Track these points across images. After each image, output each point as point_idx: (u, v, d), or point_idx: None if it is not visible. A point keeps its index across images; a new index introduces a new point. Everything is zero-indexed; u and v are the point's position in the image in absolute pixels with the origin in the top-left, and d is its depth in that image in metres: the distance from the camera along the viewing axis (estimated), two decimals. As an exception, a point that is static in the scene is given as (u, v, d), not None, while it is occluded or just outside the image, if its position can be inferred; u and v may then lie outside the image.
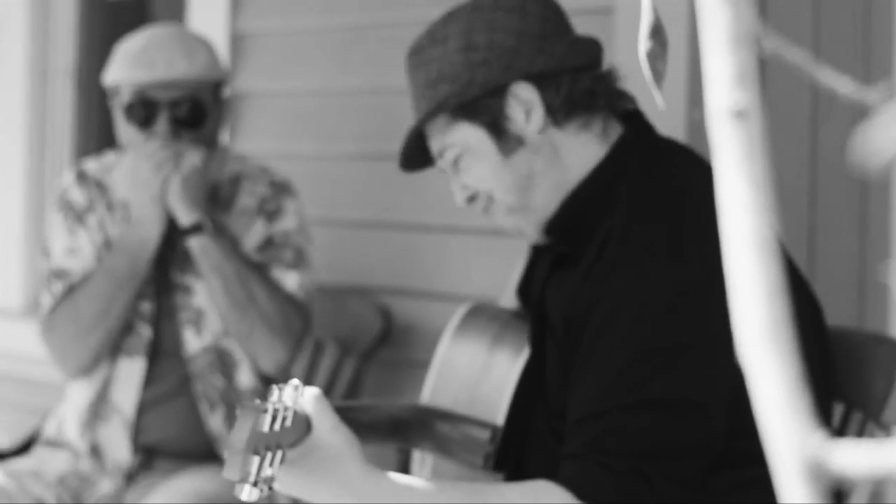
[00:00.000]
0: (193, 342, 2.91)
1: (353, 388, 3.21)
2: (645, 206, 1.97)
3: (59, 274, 2.93)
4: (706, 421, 1.87)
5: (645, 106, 2.14)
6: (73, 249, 2.95)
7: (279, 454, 1.63)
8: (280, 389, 1.68)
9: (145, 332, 2.92)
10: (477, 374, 2.14)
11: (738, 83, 0.72)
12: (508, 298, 2.38)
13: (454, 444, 2.13)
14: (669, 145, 2.12)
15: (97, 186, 3.00)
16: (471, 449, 2.10)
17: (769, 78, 2.77)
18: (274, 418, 1.63)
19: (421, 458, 2.19)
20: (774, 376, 0.69)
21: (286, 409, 1.65)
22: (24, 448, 3.11)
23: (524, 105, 2.05)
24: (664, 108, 1.21)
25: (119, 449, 2.91)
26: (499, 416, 2.09)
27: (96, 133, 4.28)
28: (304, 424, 1.72)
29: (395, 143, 2.20)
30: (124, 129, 2.91)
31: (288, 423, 1.65)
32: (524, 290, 2.26)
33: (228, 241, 2.86)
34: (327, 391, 3.24)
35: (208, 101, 2.91)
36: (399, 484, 1.80)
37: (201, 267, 2.84)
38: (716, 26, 0.72)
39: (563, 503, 1.82)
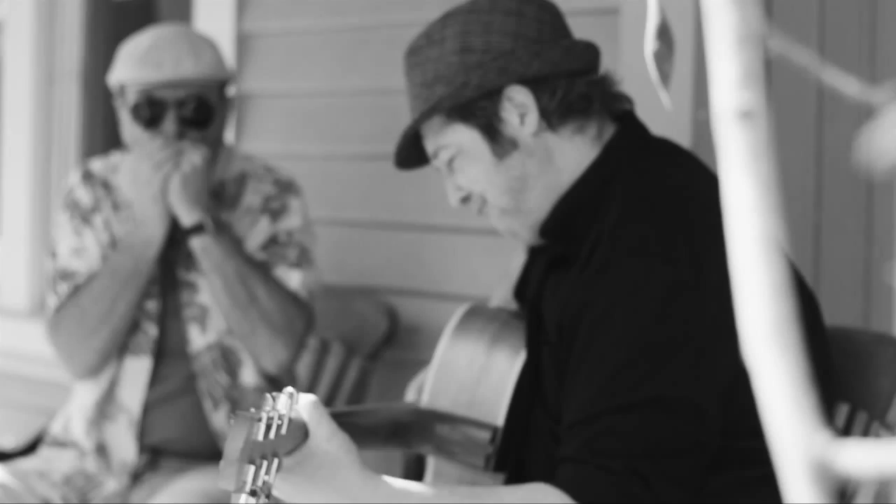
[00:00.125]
0: (198, 339, 2.92)
1: (358, 388, 3.21)
2: (636, 207, 1.97)
3: (64, 275, 2.93)
4: (701, 419, 1.87)
5: (651, 106, 2.14)
6: (79, 250, 2.95)
7: (275, 462, 1.63)
8: (274, 398, 1.68)
9: (151, 330, 2.92)
10: (476, 375, 2.14)
11: (743, 84, 0.72)
12: (499, 298, 2.39)
13: (454, 445, 2.13)
14: (661, 144, 2.12)
15: (103, 186, 3.00)
16: (471, 450, 2.10)
17: (775, 78, 2.77)
18: (269, 427, 1.63)
19: (435, 466, 2.19)
20: (780, 376, 0.69)
21: (281, 416, 1.65)
22: (30, 448, 3.12)
23: (519, 108, 2.05)
24: (671, 109, 1.22)
25: (125, 448, 2.91)
26: (499, 417, 2.09)
27: (102, 133, 4.29)
28: (300, 431, 1.72)
29: (401, 144, 2.21)
30: (130, 129, 2.91)
31: (283, 430, 1.65)
32: (521, 290, 2.26)
33: (230, 241, 2.86)
34: (333, 391, 3.25)
35: (214, 100, 2.92)
36: (396, 489, 1.80)
37: (203, 266, 2.85)
38: (722, 27, 0.73)
39: (562, 504, 1.82)
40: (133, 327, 2.91)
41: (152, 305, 2.93)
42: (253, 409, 1.65)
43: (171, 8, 4.53)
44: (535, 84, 2.05)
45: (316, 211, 3.20)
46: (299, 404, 1.74)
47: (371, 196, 3.40)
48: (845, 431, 2.18)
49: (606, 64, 2.20)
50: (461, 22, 2.07)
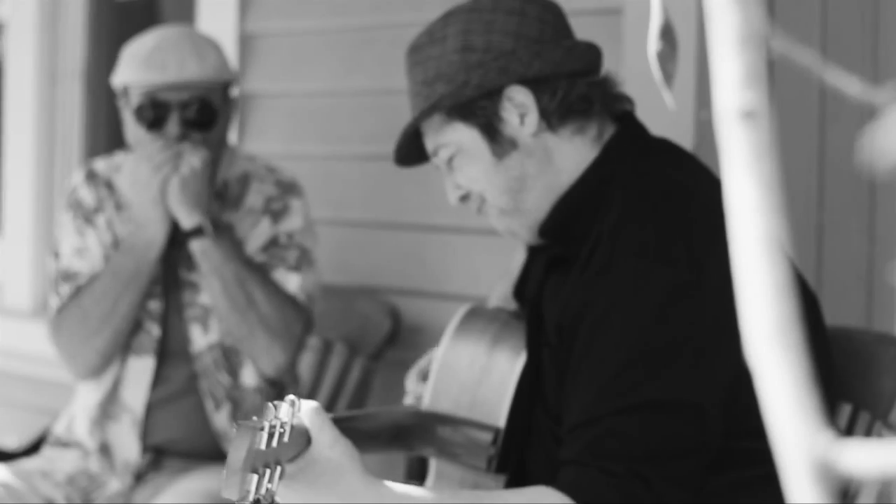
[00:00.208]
0: (200, 339, 2.92)
1: (361, 388, 3.21)
2: (636, 208, 1.96)
3: (67, 275, 2.93)
4: (702, 420, 1.86)
5: (654, 106, 2.14)
6: (82, 250, 2.95)
7: (278, 470, 1.63)
8: (276, 406, 1.68)
9: (154, 330, 2.93)
10: (477, 376, 2.14)
11: (746, 84, 0.72)
12: (498, 295, 2.39)
13: (456, 447, 2.13)
14: (661, 145, 2.12)
15: (106, 186, 3.00)
16: (473, 452, 2.10)
17: (777, 79, 2.77)
18: (271, 435, 1.63)
19: (437, 468, 2.19)
20: (783, 376, 0.69)
21: (283, 424, 1.65)
22: (34, 448, 3.12)
23: (519, 108, 2.05)
24: (674, 109, 1.22)
25: (128, 448, 2.91)
26: (500, 418, 2.09)
27: (105, 133, 4.29)
28: (302, 438, 1.72)
29: (404, 144, 2.21)
30: (133, 131, 2.91)
31: (285, 438, 1.65)
32: (520, 289, 2.26)
33: (230, 243, 2.86)
34: (336, 391, 3.25)
35: (218, 102, 2.91)
36: (399, 493, 1.80)
37: (202, 269, 2.85)
38: (724, 27, 0.73)
39: (563, 507, 1.82)
40: (136, 327, 2.92)
41: (155, 305, 2.93)
42: (255, 418, 1.65)
43: (174, 8, 4.54)
44: (535, 84, 2.05)
45: (318, 211, 3.20)
46: (301, 411, 1.74)
47: (373, 196, 3.40)
48: (848, 431, 2.18)
49: (609, 64, 2.20)
50: (463, 20, 2.07)
